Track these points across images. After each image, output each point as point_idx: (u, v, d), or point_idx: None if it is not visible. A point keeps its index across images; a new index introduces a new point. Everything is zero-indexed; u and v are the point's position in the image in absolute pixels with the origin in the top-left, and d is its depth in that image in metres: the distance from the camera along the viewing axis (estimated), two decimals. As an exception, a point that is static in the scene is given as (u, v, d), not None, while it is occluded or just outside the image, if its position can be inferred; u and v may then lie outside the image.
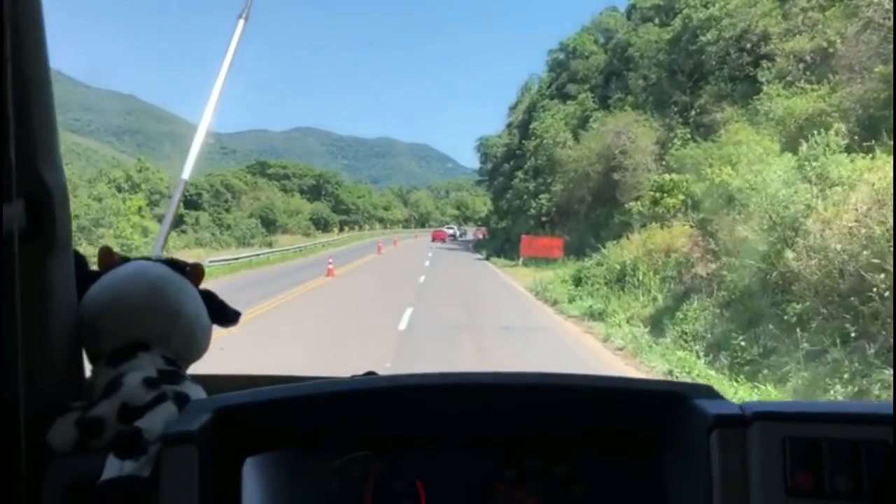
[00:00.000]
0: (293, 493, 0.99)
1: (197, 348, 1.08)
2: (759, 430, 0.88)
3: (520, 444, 1.02)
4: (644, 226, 18.56)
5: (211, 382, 1.06)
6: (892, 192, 8.14)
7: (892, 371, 6.86)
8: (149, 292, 1.02)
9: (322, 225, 67.82)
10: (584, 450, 1.02)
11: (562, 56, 43.90)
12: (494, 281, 26.74)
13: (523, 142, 36.71)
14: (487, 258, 38.57)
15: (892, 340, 7.10)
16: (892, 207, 8.04)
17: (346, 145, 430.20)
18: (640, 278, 15.77)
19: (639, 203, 20.19)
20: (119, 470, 0.83)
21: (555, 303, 17.79)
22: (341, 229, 63.75)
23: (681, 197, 18.13)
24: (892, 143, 10.31)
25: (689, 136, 24.81)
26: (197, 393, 1.00)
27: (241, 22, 1.81)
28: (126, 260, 1.08)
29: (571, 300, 17.27)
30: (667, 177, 19.70)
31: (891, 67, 12.12)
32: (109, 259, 1.07)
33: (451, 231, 70.97)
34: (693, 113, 26.20)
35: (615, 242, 19.19)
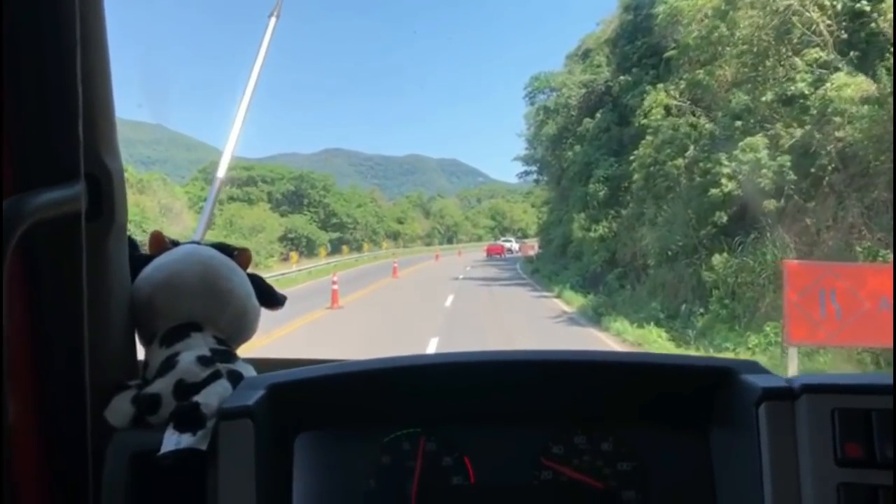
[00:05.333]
0: (343, 469, 1.00)
1: (247, 329, 1.09)
2: (807, 403, 0.89)
3: (566, 420, 1.03)
4: None
5: (259, 364, 1.07)
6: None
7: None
8: (202, 273, 1.03)
9: (307, 247, 47.63)
10: (631, 426, 1.02)
11: None
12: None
13: (654, 28, 14.79)
14: (599, 317, 14.93)
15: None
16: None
17: (376, 164, 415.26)
18: None
19: None
20: (176, 443, 0.85)
21: None
22: (299, 253, 42.86)
23: None
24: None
25: None
26: (248, 371, 1.01)
27: (273, 20, 1.76)
28: (176, 244, 1.09)
29: None
30: None
31: None
32: (161, 242, 1.08)
33: (508, 245, 58.49)
34: None
35: None
